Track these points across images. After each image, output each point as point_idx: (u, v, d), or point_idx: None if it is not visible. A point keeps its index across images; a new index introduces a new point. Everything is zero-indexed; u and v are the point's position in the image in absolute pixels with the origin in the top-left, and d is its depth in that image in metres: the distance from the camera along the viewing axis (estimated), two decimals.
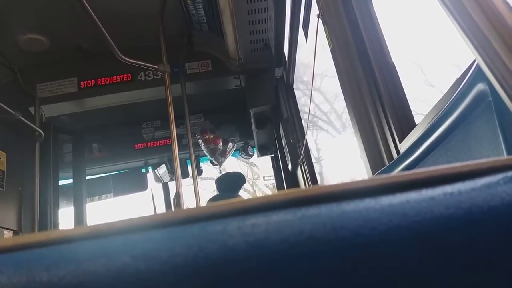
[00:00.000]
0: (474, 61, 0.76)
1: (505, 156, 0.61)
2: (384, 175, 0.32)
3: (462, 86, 0.76)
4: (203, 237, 0.28)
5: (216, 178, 3.41)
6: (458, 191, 0.29)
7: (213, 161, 3.86)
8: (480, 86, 0.67)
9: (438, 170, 0.31)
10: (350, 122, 1.73)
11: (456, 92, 0.79)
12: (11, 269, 0.28)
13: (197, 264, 0.27)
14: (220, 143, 3.79)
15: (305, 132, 3.00)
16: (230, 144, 3.83)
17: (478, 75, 0.68)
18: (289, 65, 2.95)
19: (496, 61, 0.48)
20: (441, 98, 1.08)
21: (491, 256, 0.27)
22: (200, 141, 3.77)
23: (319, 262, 0.26)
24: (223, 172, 3.64)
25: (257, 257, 0.27)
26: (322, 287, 0.26)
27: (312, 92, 2.60)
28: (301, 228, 0.28)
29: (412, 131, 1.32)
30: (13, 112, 2.73)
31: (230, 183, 3.26)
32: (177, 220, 0.30)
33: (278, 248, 0.27)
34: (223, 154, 3.83)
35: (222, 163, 3.87)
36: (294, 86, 3.17)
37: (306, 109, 3.02)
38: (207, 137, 3.77)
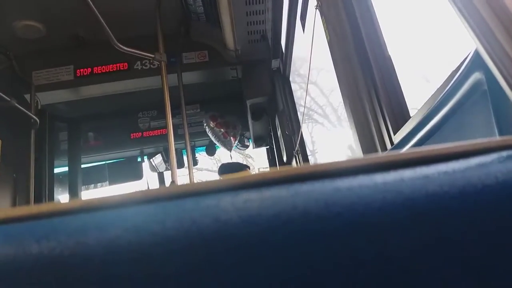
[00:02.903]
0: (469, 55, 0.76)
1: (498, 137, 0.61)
2: (379, 154, 0.31)
3: (458, 76, 0.76)
4: (196, 211, 0.28)
5: (220, 165, 3.43)
6: (452, 169, 0.29)
7: (227, 147, 3.83)
8: (477, 75, 0.67)
9: (433, 149, 0.31)
10: (346, 113, 1.73)
11: (452, 82, 0.79)
12: (1, 241, 0.28)
13: (189, 238, 0.27)
14: (231, 127, 3.77)
15: (301, 124, 3.00)
16: (236, 129, 3.81)
17: (474, 64, 0.68)
18: (286, 57, 2.94)
19: (495, 47, 0.48)
20: (437, 89, 1.08)
21: (485, 233, 0.27)
22: (208, 128, 3.73)
23: (312, 238, 0.26)
24: (232, 157, 3.68)
25: (250, 231, 0.27)
26: (314, 262, 0.26)
27: (309, 85, 2.60)
28: (294, 204, 0.28)
29: (407, 122, 1.32)
30: (8, 99, 2.71)
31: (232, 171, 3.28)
32: (170, 194, 0.30)
33: (271, 223, 0.27)
34: (234, 138, 3.82)
35: (232, 147, 3.86)
36: (290, 79, 3.17)
37: (302, 102, 3.02)
38: (217, 121, 3.73)
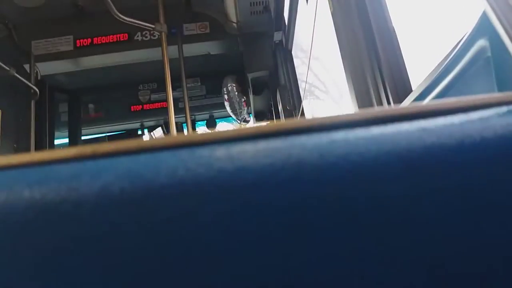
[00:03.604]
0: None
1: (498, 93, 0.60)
2: (377, 109, 0.31)
3: (462, 45, 0.75)
4: (190, 160, 0.28)
5: None
6: (450, 123, 0.29)
7: (238, 117, 3.70)
8: (481, 42, 0.66)
9: (432, 104, 0.31)
10: (347, 86, 1.72)
11: (455, 52, 0.78)
12: None
13: (183, 185, 0.26)
14: (247, 97, 3.63)
15: (302, 99, 2.98)
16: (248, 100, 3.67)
17: (479, 31, 0.67)
18: (288, 30, 2.91)
19: (504, 8, 0.47)
20: (440, 62, 1.07)
21: (481, 185, 0.26)
22: (226, 91, 3.58)
23: (305, 186, 0.26)
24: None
25: (244, 179, 0.27)
26: (307, 210, 0.26)
27: (311, 60, 2.57)
28: (289, 154, 0.27)
29: (409, 95, 1.31)
30: (8, 68, 2.69)
31: None
32: (165, 145, 0.30)
33: (265, 171, 0.27)
34: (247, 110, 3.70)
35: (243, 118, 3.77)
36: (293, 53, 3.13)
37: (304, 77, 3.00)
38: (241, 88, 3.60)
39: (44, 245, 0.25)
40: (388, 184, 0.26)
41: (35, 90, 2.97)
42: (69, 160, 0.29)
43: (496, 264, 0.25)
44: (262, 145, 0.29)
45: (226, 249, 0.25)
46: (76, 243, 0.25)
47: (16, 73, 2.76)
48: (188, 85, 3.24)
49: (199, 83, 3.90)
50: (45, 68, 3.14)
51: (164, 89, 2.69)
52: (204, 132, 0.31)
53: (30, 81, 2.93)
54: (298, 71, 3.15)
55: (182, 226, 0.26)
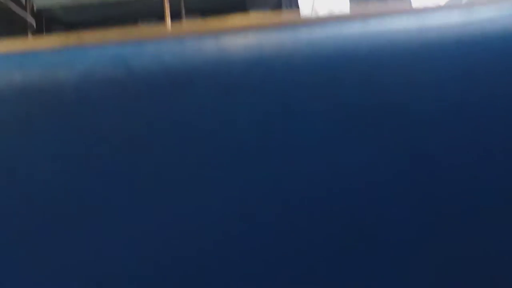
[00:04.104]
0: None
1: None
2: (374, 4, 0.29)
3: None
4: (178, 49, 0.27)
5: None
6: (451, 19, 0.27)
7: None
8: None
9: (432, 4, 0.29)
10: None
11: None
12: None
13: (168, 71, 0.26)
14: None
15: None
16: None
17: None
18: None
19: None
20: None
21: (479, 79, 0.25)
22: None
23: (296, 75, 0.25)
24: None
25: (232, 67, 0.26)
26: (298, 96, 0.25)
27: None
28: (282, 45, 0.26)
29: None
30: (2, 0, 2.61)
31: None
32: (153, 35, 0.29)
33: (254, 61, 0.26)
34: None
35: None
36: None
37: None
38: None
39: (24, 118, 0.25)
40: (382, 77, 0.25)
41: (31, 23, 2.90)
42: (53, 48, 0.28)
43: (487, 163, 0.25)
44: (252, 38, 0.28)
45: (212, 133, 0.25)
46: (56, 119, 0.25)
47: (11, 5, 2.68)
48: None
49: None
50: (41, 1, 3.04)
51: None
52: (192, 23, 0.29)
53: (25, 14, 2.85)
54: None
55: (167, 109, 0.25)
